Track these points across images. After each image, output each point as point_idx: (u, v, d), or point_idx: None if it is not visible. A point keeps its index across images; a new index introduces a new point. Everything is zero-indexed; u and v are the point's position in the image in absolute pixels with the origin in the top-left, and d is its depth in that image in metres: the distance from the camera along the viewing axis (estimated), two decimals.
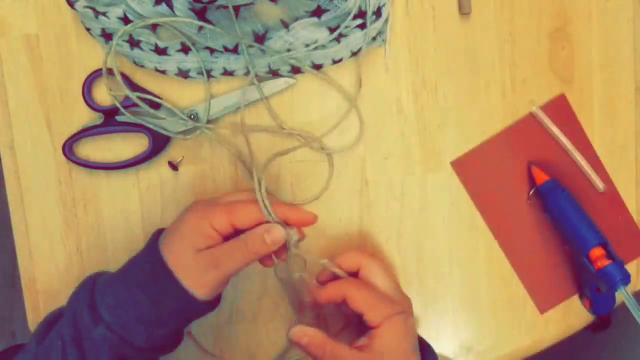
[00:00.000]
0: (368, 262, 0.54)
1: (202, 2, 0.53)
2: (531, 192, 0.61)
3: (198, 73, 0.58)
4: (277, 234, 0.50)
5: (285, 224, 0.52)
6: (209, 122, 0.59)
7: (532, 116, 0.61)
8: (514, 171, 0.62)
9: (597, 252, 0.57)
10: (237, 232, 0.51)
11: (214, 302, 0.53)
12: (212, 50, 0.57)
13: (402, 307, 0.52)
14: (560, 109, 0.61)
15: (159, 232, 0.53)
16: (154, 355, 0.52)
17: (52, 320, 0.52)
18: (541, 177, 0.60)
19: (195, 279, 0.49)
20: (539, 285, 0.63)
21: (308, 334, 0.50)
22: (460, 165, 0.61)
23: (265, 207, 0.51)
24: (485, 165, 0.62)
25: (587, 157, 0.61)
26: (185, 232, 0.50)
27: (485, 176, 0.62)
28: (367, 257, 0.55)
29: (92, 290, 0.50)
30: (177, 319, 0.51)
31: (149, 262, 0.50)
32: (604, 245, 0.57)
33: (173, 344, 0.53)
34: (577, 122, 0.61)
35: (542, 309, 0.63)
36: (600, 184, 0.61)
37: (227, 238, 0.51)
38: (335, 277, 0.54)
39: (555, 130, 0.61)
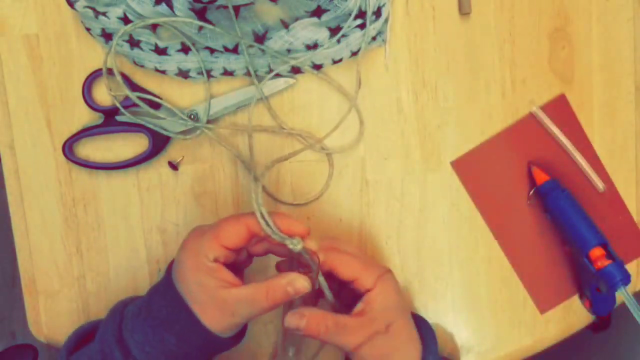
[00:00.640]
0: (333, 242, 0.53)
1: (202, 2, 0.53)
2: (531, 192, 0.61)
3: (198, 73, 0.58)
4: (300, 285, 0.47)
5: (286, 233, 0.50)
6: (209, 122, 0.59)
7: (532, 116, 0.61)
8: (514, 171, 0.62)
9: (597, 252, 0.57)
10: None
11: (238, 339, 0.53)
12: (212, 50, 0.57)
13: (383, 267, 0.52)
14: (560, 109, 0.61)
15: (171, 264, 0.52)
16: None
17: (82, 337, 0.53)
18: (541, 177, 0.60)
19: (215, 320, 0.48)
20: (539, 285, 0.63)
21: (305, 313, 0.48)
22: (460, 165, 0.61)
23: (264, 219, 0.48)
24: (485, 165, 0.62)
25: (587, 157, 0.61)
26: (190, 271, 0.48)
27: (485, 176, 0.62)
28: (329, 239, 0.53)
29: (120, 324, 0.50)
30: (203, 354, 0.50)
31: (168, 301, 0.49)
32: (604, 245, 0.57)
33: None
34: (577, 122, 0.61)
35: (542, 309, 0.63)
36: (600, 184, 0.61)
37: (238, 250, 0.50)
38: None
39: (555, 130, 0.61)
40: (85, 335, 0.53)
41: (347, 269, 0.50)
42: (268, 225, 0.48)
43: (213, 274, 0.48)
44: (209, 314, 0.48)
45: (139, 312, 0.50)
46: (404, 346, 0.51)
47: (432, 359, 0.51)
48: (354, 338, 0.49)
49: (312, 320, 0.48)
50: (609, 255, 0.57)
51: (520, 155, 0.62)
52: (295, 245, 0.48)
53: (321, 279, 0.50)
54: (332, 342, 0.49)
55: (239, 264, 0.53)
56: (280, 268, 0.53)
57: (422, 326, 0.54)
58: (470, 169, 0.62)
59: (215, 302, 0.48)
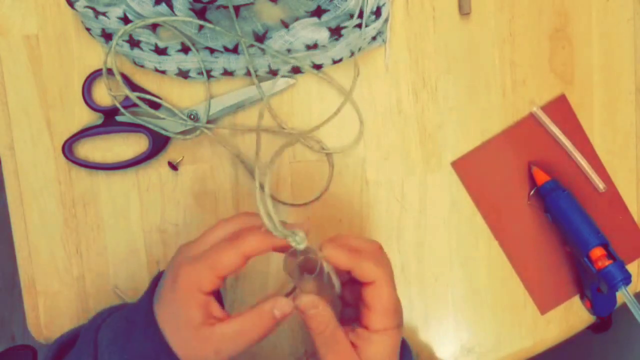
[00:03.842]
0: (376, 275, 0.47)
1: (202, 2, 0.53)
2: (532, 193, 0.61)
3: (198, 73, 0.58)
4: (286, 306, 0.44)
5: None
6: (208, 122, 0.59)
7: (532, 116, 0.61)
8: (514, 171, 0.62)
9: (597, 252, 0.56)
10: None
11: None
12: (212, 50, 0.57)
13: (400, 320, 0.48)
14: (560, 109, 0.61)
15: (154, 285, 0.48)
16: None
17: (64, 345, 0.50)
18: (542, 177, 0.60)
19: (196, 357, 0.44)
20: (540, 285, 0.63)
21: (319, 307, 0.44)
22: (461, 166, 0.61)
23: (270, 217, 0.44)
24: (485, 166, 0.62)
25: (587, 157, 0.61)
26: (178, 302, 0.44)
27: (485, 176, 0.62)
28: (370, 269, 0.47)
29: (95, 345, 0.47)
30: None
31: (149, 336, 0.45)
32: (605, 245, 0.57)
33: None
34: (577, 122, 0.61)
35: (543, 310, 0.63)
36: (600, 184, 0.61)
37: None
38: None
39: (555, 130, 0.61)
40: (64, 347, 0.50)
41: (369, 309, 0.46)
42: (274, 225, 0.44)
43: (202, 308, 0.44)
44: (193, 353, 0.44)
45: (116, 339, 0.46)
46: None
47: None
48: (334, 357, 0.46)
49: (318, 316, 0.45)
50: (610, 255, 0.57)
51: (520, 155, 0.62)
52: (299, 244, 0.45)
53: (328, 268, 0.47)
54: (315, 346, 0.46)
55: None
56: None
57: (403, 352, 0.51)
58: (470, 169, 0.62)
59: (198, 340, 0.44)
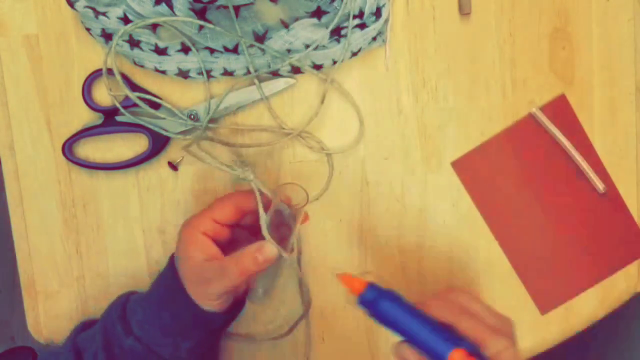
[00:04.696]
0: (455, 294, 0.48)
1: (202, 2, 0.53)
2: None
3: (198, 73, 0.58)
4: (269, 251, 0.50)
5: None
6: (209, 122, 0.59)
7: (532, 117, 0.61)
8: (514, 171, 0.62)
9: (456, 356, 0.44)
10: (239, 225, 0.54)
11: (230, 314, 0.54)
12: (212, 50, 0.57)
13: (509, 337, 0.47)
14: (560, 109, 0.61)
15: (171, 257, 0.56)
16: None
17: (87, 324, 0.56)
18: (356, 284, 0.47)
19: (197, 293, 0.51)
20: (540, 285, 0.63)
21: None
22: (461, 166, 0.61)
23: (258, 189, 0.52)
24: (485, 166, 0.62)
25: (588, 158, 0.61)
26: (184, 246, 0.52)
27: (485, 176, 0.62)
28: (450, 291, 0.49)
29: (124, 304, 0.54)
30: (196, 331, 0.52)
31: (168, 279, 0.53)
32: (458, 345, 0.45)
33: (202, 358, 0.54)
34: (577, 122, 0.61)
35: (543, 310, 0.63)
36: (600, 185, 0.61)
37: (231, 227, 0.53)
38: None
39: (554, 130, 0.61)
40: (89, 326, 0.56)
41: (472, 332, 0.45)
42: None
43: (200, 246, 0.51)
44: (194, 289, 0.51)
45: (144, 294, 0.54)
46: None
47: None
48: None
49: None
50: (472, 353, 0.45)
51: (520, 155, 0.62)
52: (247, 174, 0.53)
53: (263, 215, 0.52)
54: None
55: (233, 244, 0.54)
56: None
57: None
58: (470, 169, 0.61)
59: (198, 276, 0.50)
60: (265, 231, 0.51)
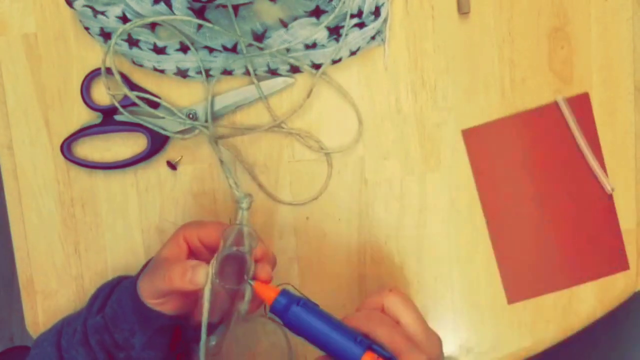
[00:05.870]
0: (392, 299, 0.48)
1: (201, 1, 0.53)
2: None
3: (197, 72, 0.58)
4: (198, 274, 0.47)
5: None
6: (208, 121, 0.59)
7: (553, 106, 0.60)
8: (522, 154, 0.61)
9: (367, 359, 0.45)
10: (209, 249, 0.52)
11: (174, 319, 0.51)
12: (211, 50, 0.57)
13: (432, 353, 0.47)
14: (581, 106, 0.61)
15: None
16: None
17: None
18: (267, 292, 0.47)
19: (144, 283, 0.50)
20: (515, 275, 0.62)
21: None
22: (471, 135, 0.61)
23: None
24: (495, 142, 0.61)
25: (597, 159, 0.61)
26: (167, 240, 0.52)
27: (492, 152, 0.61)
28: (388, 294, 0.49)
29: (114, 286, 0.55)
30: (136, 321, 0.50)
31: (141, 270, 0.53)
32: (369, 347, 0.45)
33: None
34: (593, 123, 0.61)
35: (510, 300, 0.62)
36: (608, 186, 0.61)
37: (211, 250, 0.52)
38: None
39: (573, 124, 0.60)
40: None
41: (389, 342, 0.45)
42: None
43: (173, 245, 0.51)
44: (146, 279, 0.50)
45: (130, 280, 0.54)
46: None
47: None
48: None
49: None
50: (380, 355, 0.45)
51: (532, 140, 0.61)
52: (243, 201, 0.53)
53: (223, 246, 0.49)
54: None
55: None
56: None
57: None
58: (479, 141, 0.61)
59: (152, 269, 0.50)
60: (213, 260, 0.48)
